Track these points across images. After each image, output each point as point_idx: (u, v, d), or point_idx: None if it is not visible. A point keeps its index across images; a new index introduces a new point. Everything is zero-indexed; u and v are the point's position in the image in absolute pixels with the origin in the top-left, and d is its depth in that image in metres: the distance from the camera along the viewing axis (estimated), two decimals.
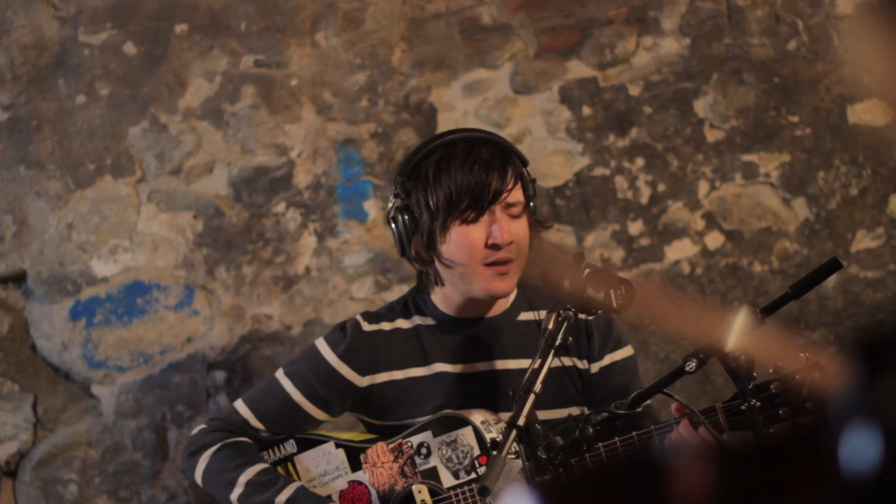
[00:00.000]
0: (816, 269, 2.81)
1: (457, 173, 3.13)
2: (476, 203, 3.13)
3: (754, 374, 2.79)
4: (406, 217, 3.20)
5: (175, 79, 4.40)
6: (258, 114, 4.37)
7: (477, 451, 3.17)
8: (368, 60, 4.36)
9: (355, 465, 3.27)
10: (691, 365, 2.82)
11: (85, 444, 4.39)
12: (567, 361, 3.28)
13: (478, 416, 3.19)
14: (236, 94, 4.38)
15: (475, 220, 3.14)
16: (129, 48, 4.41)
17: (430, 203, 3.14)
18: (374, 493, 3.24)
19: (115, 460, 4.37)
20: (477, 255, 3.14)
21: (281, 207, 4.36)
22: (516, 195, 3.17)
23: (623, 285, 2.88)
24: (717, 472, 1.04)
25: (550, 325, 2.90)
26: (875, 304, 4.24)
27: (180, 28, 4.40)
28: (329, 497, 3.25)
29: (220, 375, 4.33)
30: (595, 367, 3.30)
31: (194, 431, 3.38)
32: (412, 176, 3.20)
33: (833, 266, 2.79)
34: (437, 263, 3.20)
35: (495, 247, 3.13)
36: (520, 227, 3.18)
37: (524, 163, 3.23)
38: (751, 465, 1.05)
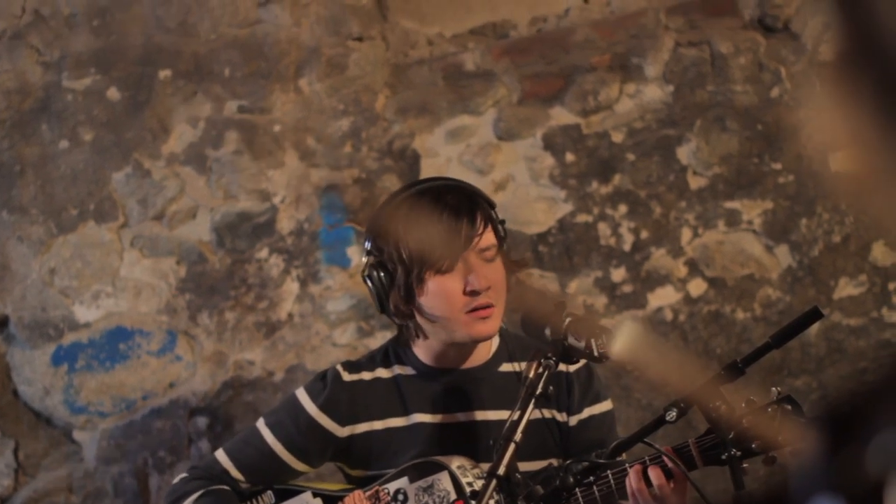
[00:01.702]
0: (797, 319, 2.81)
1: (427, 224, 3.13)
2: (449, 251, 3.12)
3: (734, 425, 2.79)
4: (381, 274, 3.20)
5: (158, 124, 4.40)
6: (241, 159, 4.37)
7: (453, 496, 3.16)
8: (352, 106, 4.37)
9: None
10: (671, 414, 2.81)
11: (66, 490, 4.37)
12: (547, 413, 3.27)
13: (455, 462, 3.19)
14: (220, 140, 4.38)
15: (450, 268, 3.13)
16: (113, 93, 4.41)
17: (404, 257, 3.14)
18: None
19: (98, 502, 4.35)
20: (457, 304, 3.14)
21: (264, 253, 4.35)
22: (488, 239, 3.17)
23: (604, 334, 2.88)
24: None
25: (531, 375, 2.89)
26: (858, 352, 4.24)
27: (164, 73, 4.41)
28: None
29: (202, 421, 4.31)
30: (574, 420, 3.29)
31: (175, 480, 3.37)
32: (382, 232, 3.20)
33: (814, 315, 2.79)
34: (417, 316, 3.20)
35: (474, 293, 3.13)
36: (496, 270, 3.17)
37: (491, 205, 3.24)
38: None
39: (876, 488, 0.90)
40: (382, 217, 3.23)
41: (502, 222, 3.25)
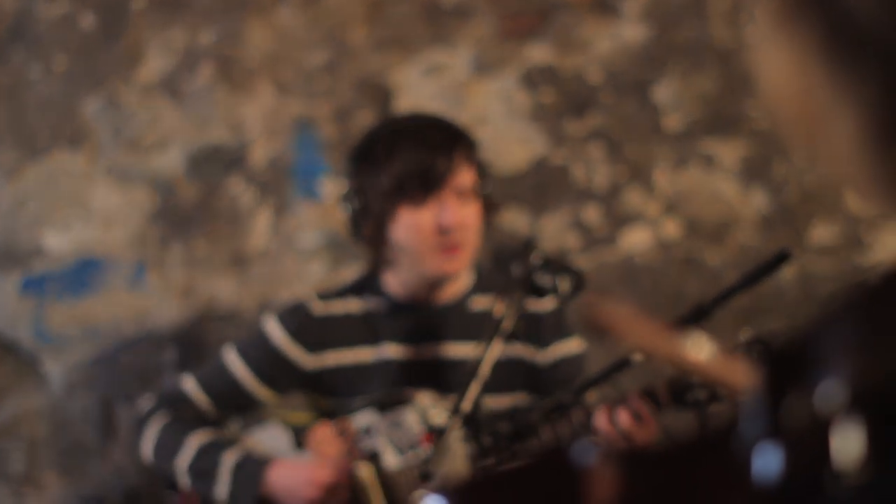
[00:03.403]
0: (766, 261, 2.80)
1: (405, 156, 3.14)
2: (424, 185, 3.13)
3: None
4: (357, 200, 3.21)
5: (133, 53, 4.36)
6: (215, 91, 4.34)
7: (421, 430, 3.17)
8: (328, 40, 4.33)
9: (300, 445, 3.27)
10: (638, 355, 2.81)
11: (33, 420, 4.36)
12: (516, 349, 3.28)
13: (423, 397, 3.20)
14: (194, 71, 4.35)
15: (423, 202, 3.14)
16: (87, 21, 4.37)
17: (379, 186, 3.15)
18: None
19: (64, 437, 4.34)
20: (426, 240, 3.15)
21: (236, 186, 4.33)
22: (465, 179, 3.17)
23: (574, 275, 2.88)
24: (623, 471, 1.03)
25: (498, 311, 2.90)
26: (831, 297, 4.23)
27: (139, 2, 4.36)
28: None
29: (171, 353, 4.30)
30: (544, 357, 3.30)
31: (142, 407, 3.37)
32: (363, 159, 3.22)
33: (782, 258, 2.78)
34: (387, 246, 3.21)
35: (444, 231, 3.13)
36: (470, 212, 3.17)
37: (475, 147, 3.23)
38: (659, 465, 1.04)
39: (821, 433, 0.89)
40: (364, 144, 3.25)
41: (485, 166, 3.25)
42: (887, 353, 0.90)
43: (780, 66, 0.93)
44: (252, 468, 3.17)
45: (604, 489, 1.02)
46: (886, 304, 0.93)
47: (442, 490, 1.09)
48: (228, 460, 3.20)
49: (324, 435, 3.24)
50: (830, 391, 0.89)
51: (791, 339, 0.97)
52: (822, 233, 4.27)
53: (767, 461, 0.92)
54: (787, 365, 0.95)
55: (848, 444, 0.87)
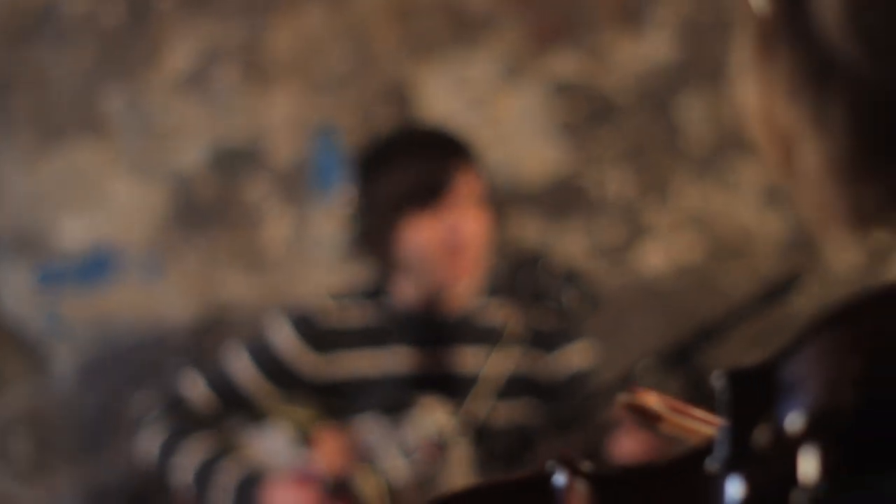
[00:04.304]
0: (775, 286, 2.79)
1: (410, 166, 3.17)
2: (428, 193, 3.15)
3: None
4: (363, 210, 3.25)
5: (158, 48, 4.37)
6: (239, 88, 4.34)
7: (427, 437, 3.18)
8: (353, 42, 4.33)
9: (304, 445, 3.28)
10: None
11: (42, 410, 4.36)
12: (525, 358, 3.28)
13: (430, 402, 3.20)
14: (219, 68, 4.35)
15: (428, 211, 3.15)
16: (113, 15, 4.38)
17: (385, 196, 3.18)
18: (321, 472, 3.24)
19: (74, 428, 4.35)
20: (432, 247, 3.16)
21: (256, 185, 4.33)
22: (471, 187, 3.19)
23: (582, 288, 2.88)
24: (594, 493, 1.07)
25: (509, 320, 2.91)
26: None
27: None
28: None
29: (183, 350, 4.30)
30: (553, 367, 3.30)
31: (145, 407, 3.41)
32: (369, 169, 3.25)
33: (791, 281, 2.77)
34: (393, 256, 3.23)
35: (450, 238, 3.15)
36: (476, 220, 3.19)
37: (478, 157, 3.27)
38: (630, 487, 1.07)
39: (787, 457, 0.91)
40: (371, 154, 3.29)
41: (488, 176, 3.29)
42: (845, 378, 0.91)
43: (756, 93, 0.93)
44: (251, 489, 3.21)
45: None
46: (848, 328, 0.95)
47: (432, 502, 1.10)
48: (229, 480, 3.23)
49: (326, 436, 3.25)
50: (795, 416, 0.91)
51: (761, 364, 0.97)
52: (842, 257, 4.25)
53: (736, 485, 0.94)
54: (756, 389, 0.96)
55: (807, 468, 0.89)
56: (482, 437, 2.93)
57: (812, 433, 0.90)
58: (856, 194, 0.90)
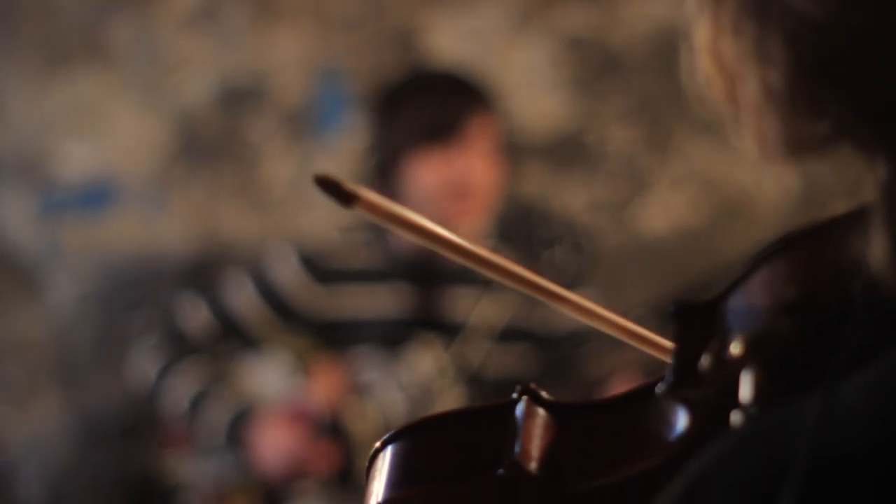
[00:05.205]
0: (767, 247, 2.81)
1: (424, 104, 3.19)
2: (439, 133, 3.17)
3: None
4: (375, 147, 3.28)
5: None
6: (247, 25, 4.33)
7: (422, 371, 3.20)
8: None
9: (300, 375, 3.30)
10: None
11: (38, 337, 4.37)
12: (521, 305, 3.29)
13: (428, 338, 3.22)
14: (228, 3, 4.34)
15: (439, 153, 3.17)
16: None
17: (396, 134, 3.21)
18: (314, 406, 3.26)
19: (68, 356, 4.35)
20: (438, 189, 3.18)
21: (261, 123, 4.33)
22: (485, 134, 3.20)
23: (575, 243, 2.90)
24: (552, 419, 1.11)
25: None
26: None
27: None
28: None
29: (182, 283, 4.31)
30: (548, 314, 3.32)
31: (142, 330, 3.42)
32: (384, 108, 3.28)
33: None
34: (400, 193, 3.25)
35: (456, 184, 3.17)
36: (486, 167, 3.20)
37: (492, 103, 3.28)
38: (586, 415, 1.12)
39: (730, 379, 0.96)
40: (387, 94, 3.34)
41: (503, 123, 3.30)
42: (782, 305, 0.98)
43: (706, 28, 0.95)
44: (243, 425, 3.23)
45: (532, 438, 1.07)
46: (784, 260, 1.02)
47: (396, 431, 1.12)
48: (222, 414, 3.25)
49: (323, 367, 3.26)
50: (736, 342, 0.98)
51: (709, 295, 1.04)
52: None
53: (682, 407, 1.01)
54: (703, 319, 1.03)
55: (745, 389, 0.93)
56: (476, 381, 2.96)
57: (749, 356, 0.96)
58: (794, 125, 0.91)
